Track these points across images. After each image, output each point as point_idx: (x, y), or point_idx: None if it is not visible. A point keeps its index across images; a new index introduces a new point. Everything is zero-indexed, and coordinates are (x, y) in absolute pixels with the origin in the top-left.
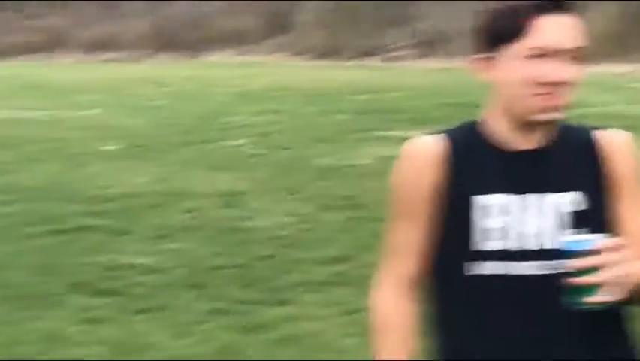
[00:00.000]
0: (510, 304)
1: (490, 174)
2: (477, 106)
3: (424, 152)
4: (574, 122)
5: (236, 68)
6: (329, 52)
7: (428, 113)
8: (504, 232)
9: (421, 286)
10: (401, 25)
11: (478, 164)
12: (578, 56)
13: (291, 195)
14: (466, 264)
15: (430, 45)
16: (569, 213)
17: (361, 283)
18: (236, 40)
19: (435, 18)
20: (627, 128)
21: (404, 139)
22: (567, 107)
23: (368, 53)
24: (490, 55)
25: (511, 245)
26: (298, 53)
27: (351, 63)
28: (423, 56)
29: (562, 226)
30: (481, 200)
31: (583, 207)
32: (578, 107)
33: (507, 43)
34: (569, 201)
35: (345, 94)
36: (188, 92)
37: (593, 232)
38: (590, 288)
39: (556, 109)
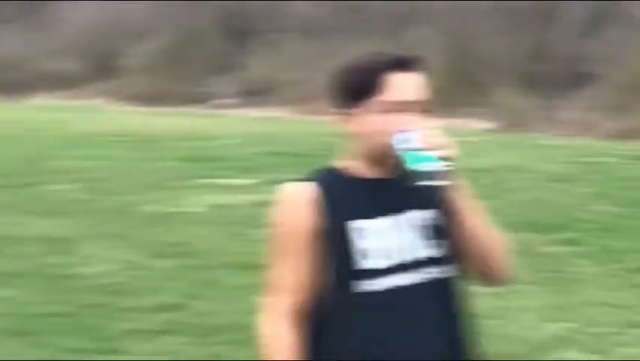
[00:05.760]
0: (394, 314)
1: (360, 203)
2: (307, 155)
3: (299, 195)
4: None
5: (61, 111)
6: (155, 98)
7: (254, 161)
8: (380, 251)
9: (305, 316)
10: (228, 73)
11: (348, 197)
12: (425, 108)
13: (120, 242)
14: (352, 283)
15: (256, 94)
16: (429, 226)
17: (193, 331)
18: (61, 82)
19: (261, 67)
20: None
21: (231, 187)
22: None
23: (194, 101)
24: (348, 110)
25: (389, 261)
26: (124, 98)
27: (177, 110)
28: (249, 104)
29: (427, 239)
30: (355, 224)
31: (438, 222)
32: None
33: (364, 99)
34: (429, 217)
35: (172, 141)
36: (10, 135)
37: (444, 242)
38: (430, 152)
39: None
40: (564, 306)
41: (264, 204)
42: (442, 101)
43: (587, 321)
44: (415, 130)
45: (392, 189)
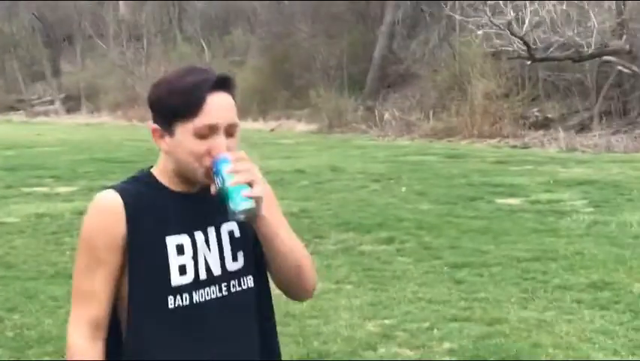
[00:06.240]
0: (203, 327)
1: (172, 217)
2: (126, 162)
3: (108, 206)
4: None
5: None
6: None
7: (75, 168)
8: (192, 266)
9: (107, 327)
10: (47, 80)
11: (160, 210)
12: (234, 131)
13: None
14: (163, 298)
15: (76, 100)
16: (231, 241)
17: (11, 345)
18: None
19: (82, 73)
20: (272, 182)
21: (49, 195)
22: None
23: (13, 108)
24: (164, 127)
25: (200, 275)
26: None
27: None
28: (69, 110)
29: (235, 251)
30: (169, 240)
31: (238, 234)
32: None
33: (179, 120)
34: (235, 229)
35: None
36: None
37: (247, 254)
38: (241, 186)
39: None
40: (384, 303)
41: (83, 211)
42: (263, 104)
43: (406, 317)
44: (226, 160)
45: (201, 203)
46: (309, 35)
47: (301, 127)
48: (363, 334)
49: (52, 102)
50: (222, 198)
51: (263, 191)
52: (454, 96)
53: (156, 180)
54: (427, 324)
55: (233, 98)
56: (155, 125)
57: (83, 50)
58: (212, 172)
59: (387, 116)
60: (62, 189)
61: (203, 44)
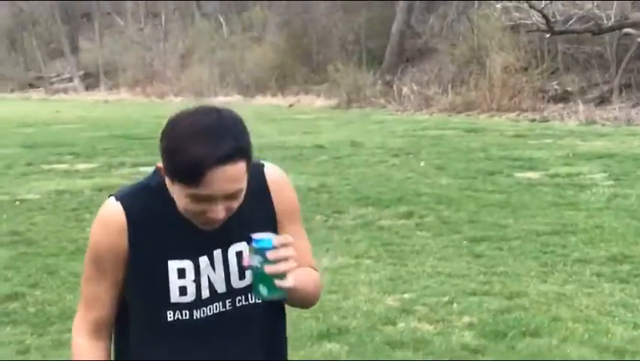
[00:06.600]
0: (204, 344)
1: (176, 240)
2: (145, 138)
3: (111, 223)
4: None
5: None
6: None
7: (95, 145)
8: (196, 285)
9: (111, 329)
10: (66, 57)
11: (165, 231)
12: (237, 195)
13: None
14: (163, 313)
15: (95, 77)
16: (238, 261)
17: (33, 320)
18: None
19: (101, 50)
20: (291, 157)
21: (70, 172)
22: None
23: (32, 85)
24: (166, 174)
25: (203, 293)
26: None
27: (14, 95)
28: (89, 87)
29: (242, 270)
30: (173, 264)
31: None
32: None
33: (179, 182)
34: (241, 249)
35: (11, 127)
36: None
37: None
38: (278, 275)
39: (215, 224)
40: (403, 278)
41: (103, 188)
42: (281, 79)
43: (425, 292)
44: (270, 243)
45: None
46: (327, 10)
47: (320, 102)
48: (382, 308)
49: (70, 79)
50: (254, 276)
51: (294, 282)
52: (472, 70)
53: (166, 194)
54: (446, 298)
55: (247, 160)
56: (161, 165)
57: (102, 27)
58: (251, 245)
59: (405, 90)
60: (82, 166)
61: (222, 20)
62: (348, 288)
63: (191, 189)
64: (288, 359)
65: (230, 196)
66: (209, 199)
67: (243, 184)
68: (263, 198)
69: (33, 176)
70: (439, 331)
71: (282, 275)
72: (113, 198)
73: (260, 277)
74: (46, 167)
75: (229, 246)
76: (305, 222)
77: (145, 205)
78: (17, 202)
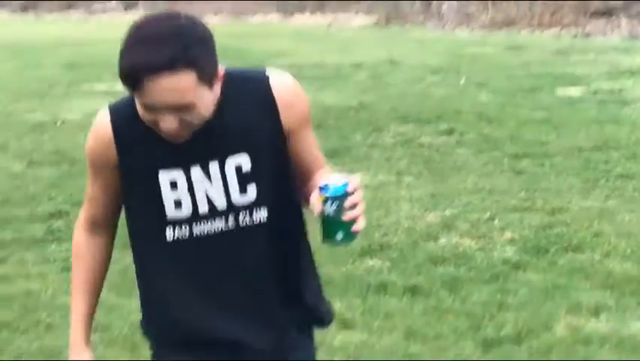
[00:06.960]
0: (209, 260)
1: (166, 148)
2: None
3: (99, 132)
4: (244, 67)
5: None
6: (29, 5)
7: None
8: (191, 199)
9: (106, 227)
10: None
11: (155, 140)
12: (183, 108)
13: (1, 152)
14: (161, 230)
15: None
16: (238, 174)
17: None
18: None
19: None
20: (330, 76)
21: (110, 93)
22: (199, 122)
23: (71, 6)
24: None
25: (200, 209)
26: None
27: (53, 16)
28: (127, 8)
29: (244, 184)
30: (163, 174)
31: (249, 167)
32: (282, 57)
33: (131, 92)
34: (240, 162)
35: (50, 48)
36: None
37: (261, 187)
38: (352, 221)
39: (179, 137)
40: (444, 194)
41: None
42: None
43: (466, 208)
44: (345, 190)
45: (203, 135)
46: None
47: (358, 20)
48: (423, 225)
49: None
50: (327, 223)
51: (364, 222)
52: None
53: None
54: (487, 214)
55: (195, 72)
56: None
57: None
58: (321, 191)
59: (445, 7)
60: (121, 87)
61: None
62: (390, 205)
63: (137, 97)
64: (331, 275)
65: (179, 108)
66: (154, 109)
67: (190, 97)
68: (268, 111)
69: (74, 96)
70: (480, 246)
71: (352, 221)
72: (106, 108)
73: (336, 224)
74: (87, 87)
75: (226, 157)
76: (344, 141)
77: (135, 115)
78: (59, 122)
